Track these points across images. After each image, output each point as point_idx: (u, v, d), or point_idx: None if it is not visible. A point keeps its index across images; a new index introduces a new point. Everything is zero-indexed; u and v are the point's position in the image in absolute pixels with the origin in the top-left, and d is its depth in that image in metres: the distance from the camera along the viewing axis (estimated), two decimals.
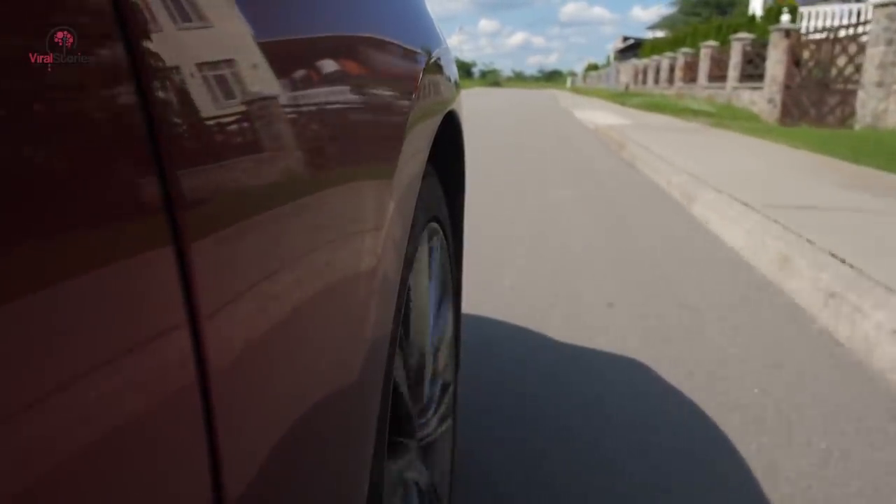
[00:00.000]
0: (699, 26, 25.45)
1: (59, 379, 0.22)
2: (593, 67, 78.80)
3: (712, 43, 18.75)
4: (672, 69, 23.54)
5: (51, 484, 0.22)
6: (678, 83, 21.94)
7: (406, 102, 0.66)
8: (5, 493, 0.20)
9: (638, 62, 33.11)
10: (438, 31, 0.97)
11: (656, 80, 26.33)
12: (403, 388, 0.76)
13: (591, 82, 61.36)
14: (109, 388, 0.24)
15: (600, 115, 13.12)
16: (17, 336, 0.21)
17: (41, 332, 0.22)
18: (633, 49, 44.82)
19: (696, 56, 20.20)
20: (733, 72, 16.03)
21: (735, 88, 15.81)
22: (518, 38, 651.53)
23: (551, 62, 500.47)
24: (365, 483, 0.53)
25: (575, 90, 46.82)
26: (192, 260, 0.28)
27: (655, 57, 27.48)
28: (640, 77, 30.79)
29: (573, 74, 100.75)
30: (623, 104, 18.43)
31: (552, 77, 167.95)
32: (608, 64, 61.45)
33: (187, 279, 0.28)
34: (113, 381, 0.24)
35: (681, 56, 21.82)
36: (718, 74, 17.44)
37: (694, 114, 13.13)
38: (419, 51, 0.78)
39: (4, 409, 0.20)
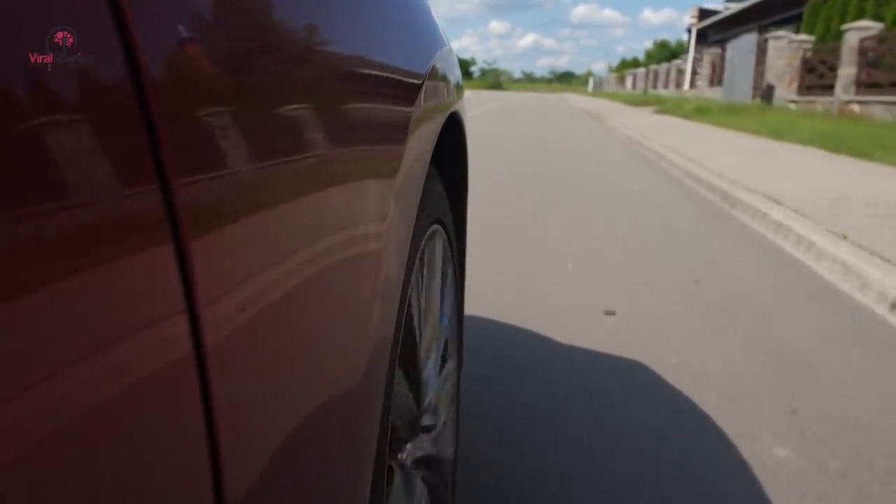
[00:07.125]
0: None
1: (61, 377, 0.22)
2: (633, 63, 63.94)
3: None
4: None
5: (50, 481, 0.22)
6: None
7: (409, 104, 0.67)
8: (5, 490, 0.21)
9: (801, 38, 15.23)
10: (441, 32, 0.98)
11: None
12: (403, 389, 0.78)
13: (633, 84, 43.72)
14: (111, 387, 0.24)
15: None
16: (18, 333, 0.21)
17: (42, 330, 0.22)
18: (724, 28, 26.60)
19: None
20: None
21: None
22: (528, 39, 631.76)
23: (562, 64, 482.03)
24: (367, 486, 0.53)
25: (637, 101, 23.32)
26: (193, 261, 0.28)
27: None
28: (855, 77, 12.18)
29: (591, 75, 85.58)
30: None
31: (564, 79, 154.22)
32: (651, 60, 46.47)
33: (188, 281, 0.28)
34: (114, 381, 0.24)
35: None
36: None
37: None
38: (422, 53, 0.78)
39: (5, 406, 0.20)
